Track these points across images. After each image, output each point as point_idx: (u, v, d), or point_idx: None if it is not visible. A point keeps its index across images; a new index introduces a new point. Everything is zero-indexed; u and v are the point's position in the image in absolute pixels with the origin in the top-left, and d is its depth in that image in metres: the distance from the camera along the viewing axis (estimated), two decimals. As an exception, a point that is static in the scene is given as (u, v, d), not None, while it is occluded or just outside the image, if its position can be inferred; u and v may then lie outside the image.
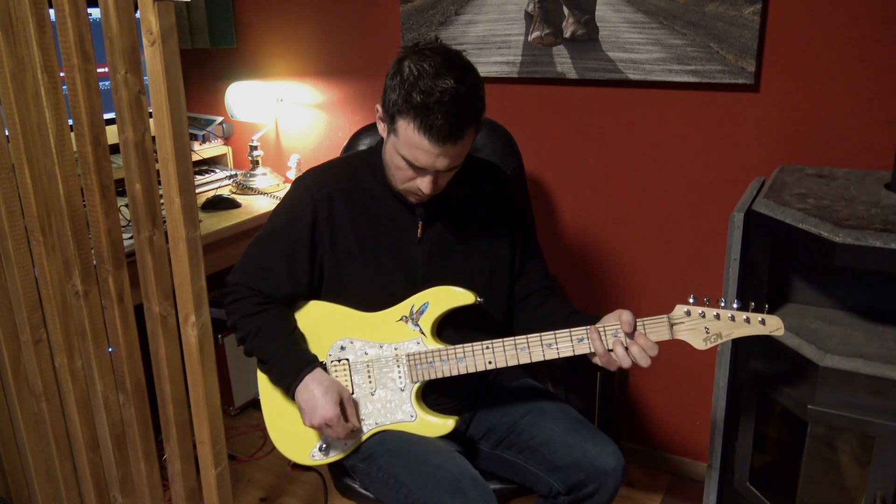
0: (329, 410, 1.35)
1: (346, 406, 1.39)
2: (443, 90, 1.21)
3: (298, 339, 1.45)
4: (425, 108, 1.22)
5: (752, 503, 1.63)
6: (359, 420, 1.42)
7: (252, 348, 1.44)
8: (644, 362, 1.26)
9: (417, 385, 1.40)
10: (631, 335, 1.27)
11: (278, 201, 1.53)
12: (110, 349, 1.50)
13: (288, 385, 1.40)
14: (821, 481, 1.54)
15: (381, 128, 1.36)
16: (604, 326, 1.29)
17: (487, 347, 1.35)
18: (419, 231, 1.43)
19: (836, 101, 1.73)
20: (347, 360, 1.43)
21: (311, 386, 1.38)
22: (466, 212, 1.46)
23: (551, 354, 1.33)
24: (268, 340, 1.42)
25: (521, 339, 1.34)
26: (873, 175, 1.63)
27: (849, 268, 1.33)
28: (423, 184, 1.32)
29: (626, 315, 1.27)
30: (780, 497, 1.59)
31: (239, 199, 2.32)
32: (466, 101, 1.24)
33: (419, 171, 1.31)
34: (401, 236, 1.43)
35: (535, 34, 2.00)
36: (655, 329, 1.28)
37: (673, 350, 1.30)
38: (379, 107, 1.34)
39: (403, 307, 1.41)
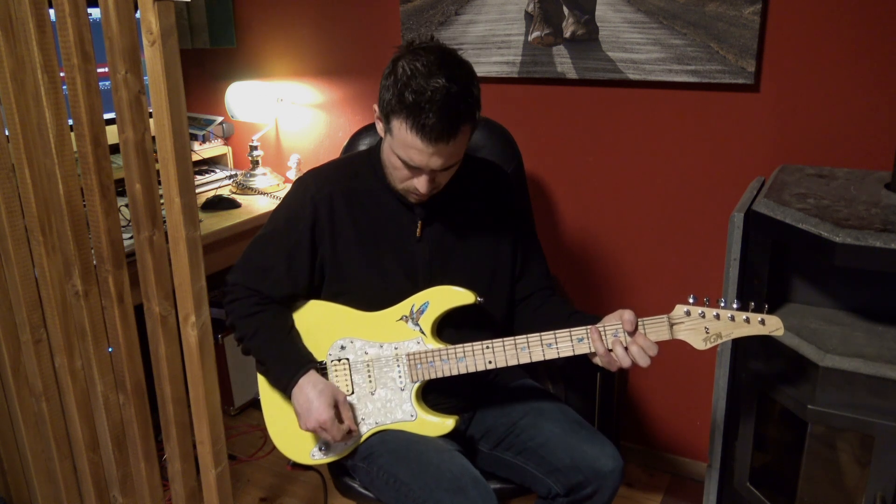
0: (323, 413, 1.35)
1: (342, 409, 1.39)
2: (434, 89, 1.21)
3: (295, 339, 1.45)
4: (417, 108, 1.21)
5: (752, 503, 1.63)
6: (356, 423, 1.42)
7: (249, 348, 1.45)
8: (643, 362, 1.27)
9: (417, 384, 1.40)
10: (632, 334, 1.28)
11: (279, 201, 1.53)
12: (110, 349, 1.50)
13: (284, 387, 1.41)
14: (821, 481, 1.54)
15: (379, 127, 1.37)
16: (604, 326, 1.30)
17: (487, 347, 1.35)
18: (418, 230, 1.43)
19: (836, 101, 1.73)
20: (348, 359, 1.43)
21: (306, 388, 1.37)
22: (467, 211, 1.46)
23: (551, 354, 1.33)
24: (265, 342, 1.43)
25: (521, 338, 1.34)
26: (873, 175, 1.63)
27: (849, 268, 1.33)
28: (420, 183, 1.31)
29: (627, 314, 1.28)
30: (780, 497, 1.58)
31: (239, 199, 2.32)
32: (458, 99, 1.23)
33: (415, 170, 1.31)
34: (401, 236, 1.43)
35: (535, 34, 2.00)
36: (655, 329, 1.28)
37: (673, 350, 1.30)
38: (376, 106, 1.34)
39: (403, 307, 1.41)
